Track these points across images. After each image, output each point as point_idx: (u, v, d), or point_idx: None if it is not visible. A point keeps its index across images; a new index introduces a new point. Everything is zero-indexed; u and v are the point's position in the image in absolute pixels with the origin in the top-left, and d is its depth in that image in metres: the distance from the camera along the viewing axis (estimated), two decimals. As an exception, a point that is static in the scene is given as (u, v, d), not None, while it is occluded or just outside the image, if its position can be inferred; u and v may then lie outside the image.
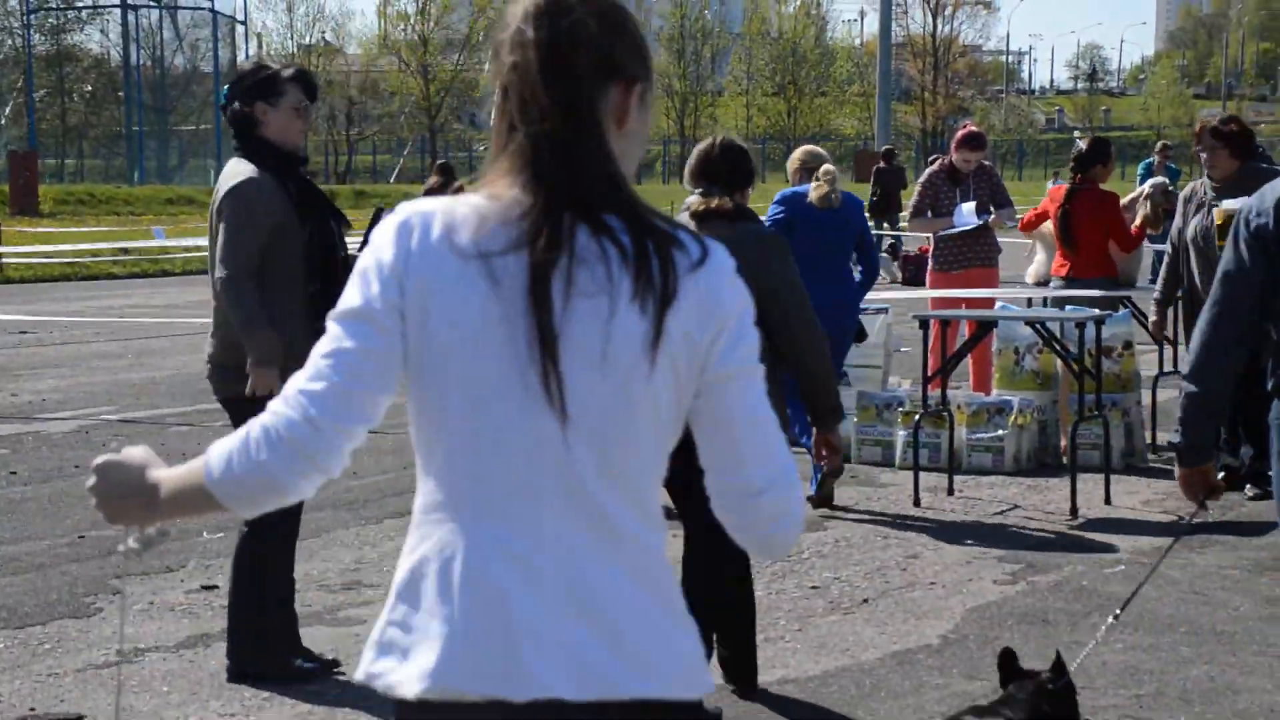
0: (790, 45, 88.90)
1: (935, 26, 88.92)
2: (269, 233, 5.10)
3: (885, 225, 24.50)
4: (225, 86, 5.36)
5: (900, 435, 8.81)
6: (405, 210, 2.00)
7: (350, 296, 1.98)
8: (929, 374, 8.45)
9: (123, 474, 2.10)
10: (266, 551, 5.24)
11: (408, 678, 1.93)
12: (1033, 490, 8.37)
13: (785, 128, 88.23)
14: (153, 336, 15.98)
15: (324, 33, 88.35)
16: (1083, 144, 9.52)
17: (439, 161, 23.90)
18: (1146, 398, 9.54)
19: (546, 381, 1.90)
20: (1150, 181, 10.23)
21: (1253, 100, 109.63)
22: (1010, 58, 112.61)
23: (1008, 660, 3.77)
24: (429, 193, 15.98)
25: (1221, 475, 8.01)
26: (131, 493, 2.09)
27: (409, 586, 1.98)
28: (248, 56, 64.41)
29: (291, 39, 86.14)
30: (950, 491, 8.14)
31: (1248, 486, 7.93)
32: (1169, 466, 8.30)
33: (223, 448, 2.00)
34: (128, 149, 56.22)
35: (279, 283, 5.13)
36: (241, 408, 4.98)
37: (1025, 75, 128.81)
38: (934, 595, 6.27)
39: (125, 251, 27.24)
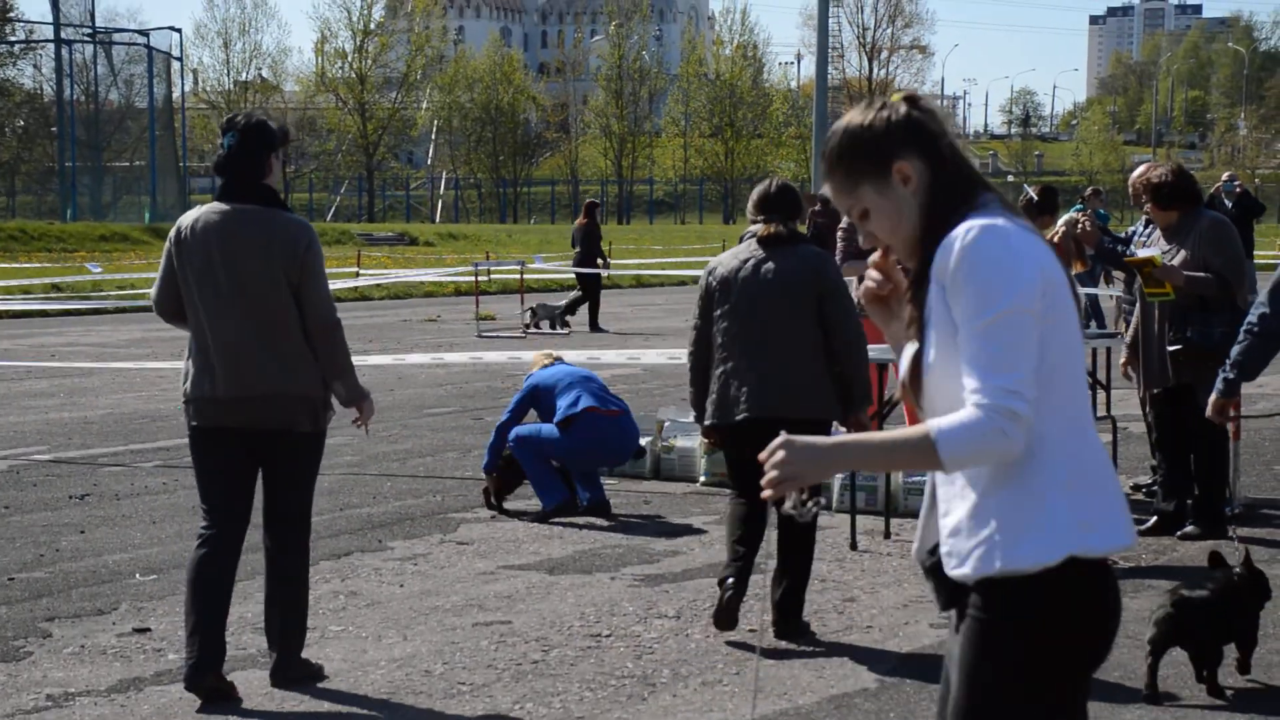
0: (728, 87, 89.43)
1: (871, 70, 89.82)
2: None
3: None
4: (227, 135, 5.58)
5: (837, 479, 8.85)
6: (1023, 234, 2.73)
7: (1025, 299, 2.64)
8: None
9: (807, 440, 2.70)
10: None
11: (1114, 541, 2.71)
12: (968, 533, 8.40)
13: (723, 168, 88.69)
14: (85, 375, 15.82)
15: (260, 70, 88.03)
16: (1033, 193, 9.60)
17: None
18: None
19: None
20: (1063, 220, 9.47)
21: (1182, 148, 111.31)
22: (946, 102, 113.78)
23: (1215, 558, 5.61)
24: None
25: (1154, 520, 8.18)
26: (818, 454, 2.67)
27: (1084, 477, 2.71)
28: (183, 92, 64.10)
29: (228, 75, 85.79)
30: (887, 535, 8.17)
31: (1182, 529, 8.02)
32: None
33: (952, 421, 2.62)
34: (60, 185, 55.74)
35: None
36: (319, 440, 5.65)
37: (960, 119, 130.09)
38: (871, 639, 6.29)
39: (57, 289, 26.96)
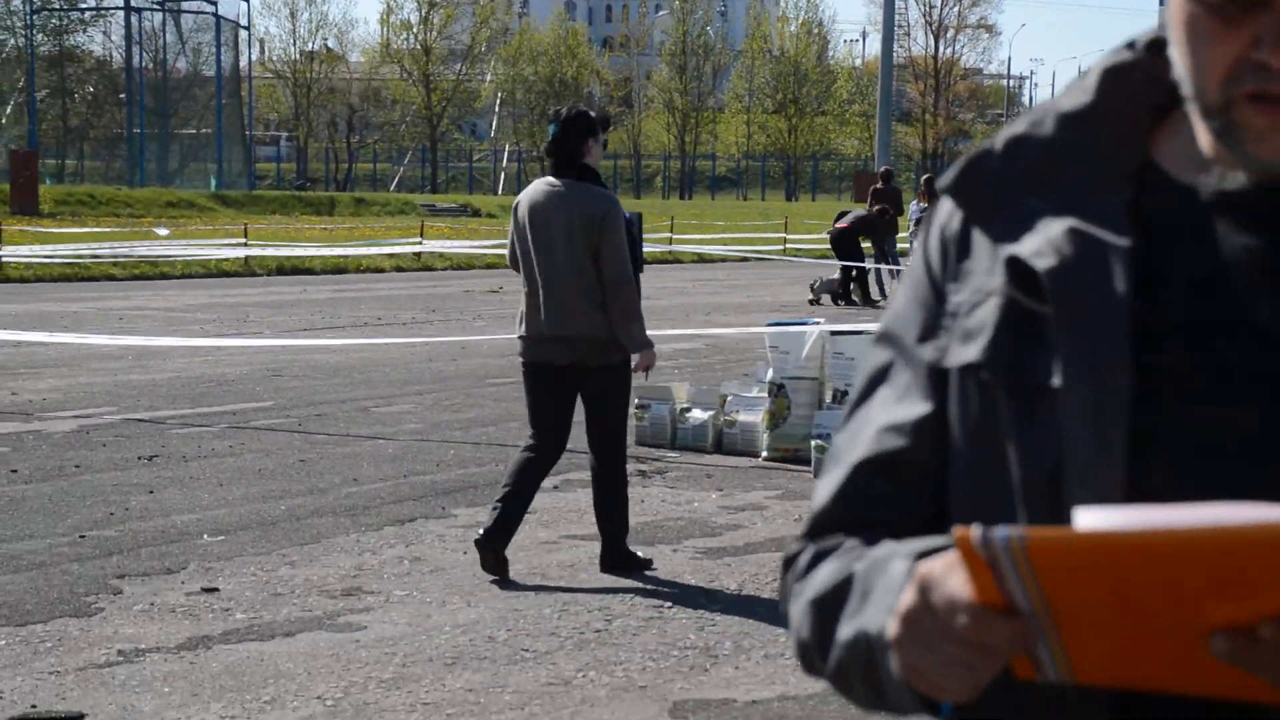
0: (792, 64, 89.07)
1: (937, 49, 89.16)
2: None
3: (873, 245, 23.87)
4: (552, 125, 6.85)
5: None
6: None
7: None
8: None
9: None
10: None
11: None
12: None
13: (785, 145, 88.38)
14: (153, 338, 15.99)
15: (326, 40, 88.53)
16: None
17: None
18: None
19: None
20: None
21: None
22: (1011, 82, 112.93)
23: None
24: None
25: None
26: None
27: None
28: (250, 61, 64.55)
29: (294, 45, 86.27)
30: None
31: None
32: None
33: None
34: (128, 151, 56.28)
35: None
36: (619, 372, 6.73)
37: (1026, 99, 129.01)
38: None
39: (126, 254, 27.26)
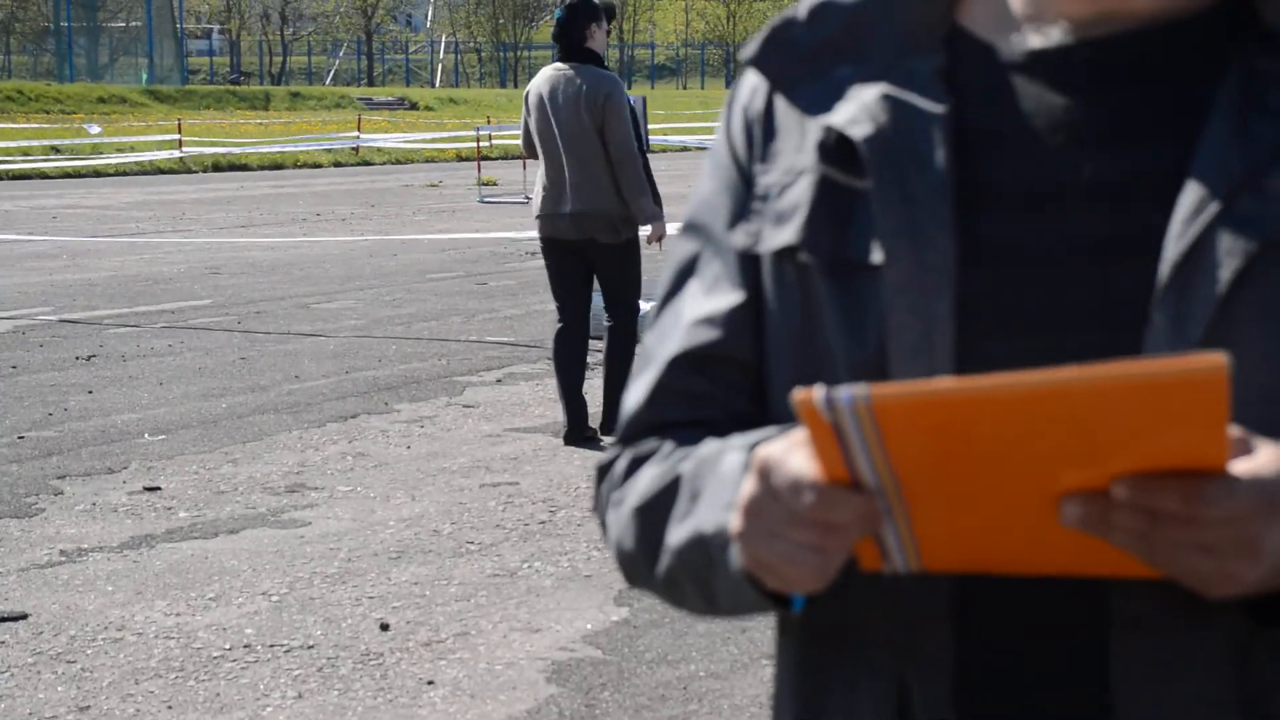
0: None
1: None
2: None
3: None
4: (558, 10, 7.18)
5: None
6: None
7: None
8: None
9: None
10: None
11: None
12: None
13: (725, 32, 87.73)
14: (87, 237, 15.79)
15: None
16: None
17: None
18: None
19: None
20: None
21: None
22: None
23: None
24: None
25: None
26: None
27: None
28: (180, -48, 63.12)
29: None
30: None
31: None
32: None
33: None
34: (56, 45, 55.16)
35: None
36: (629, 248, 7.12)
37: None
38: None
39: (56, 150, 26.83)
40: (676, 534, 1.13)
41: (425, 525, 5.94)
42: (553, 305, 7.33)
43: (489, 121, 34.59)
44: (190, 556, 5.54)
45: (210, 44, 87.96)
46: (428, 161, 30.67)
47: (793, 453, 0.98)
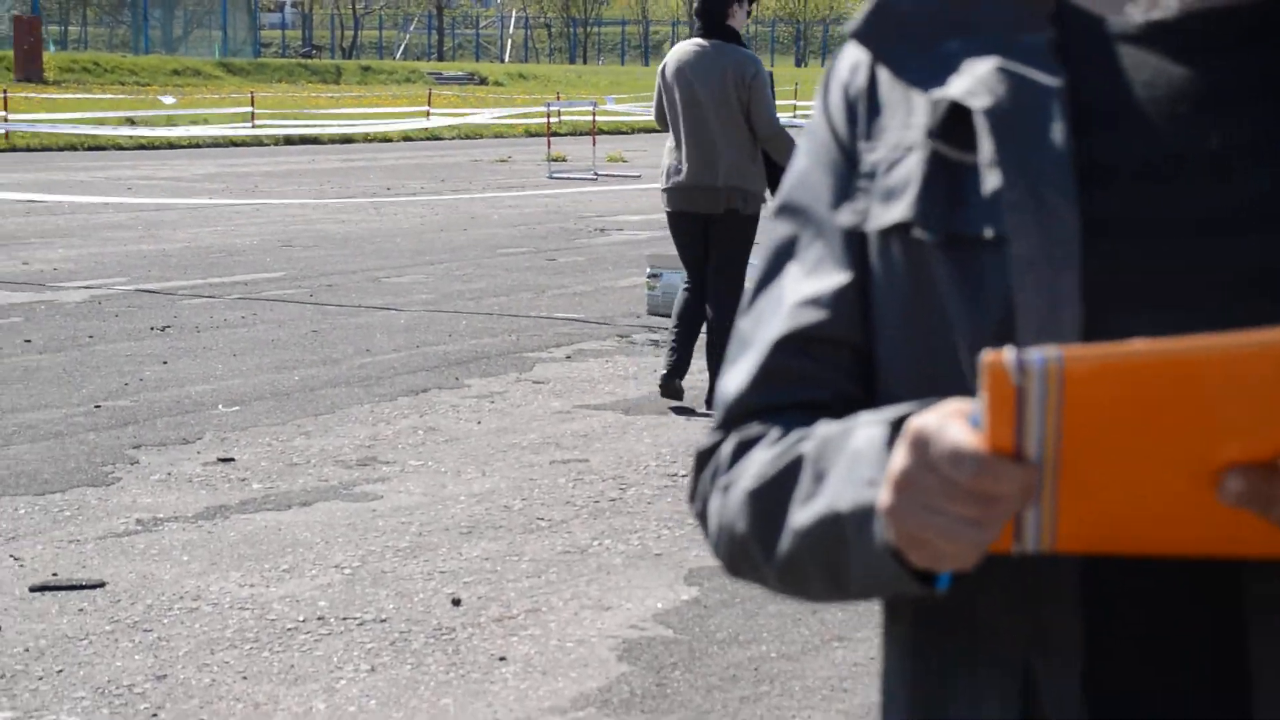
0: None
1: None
2: None
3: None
4: None
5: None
6: None
7: None
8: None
9: None
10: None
11: None
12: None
13: (795, 10, 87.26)
14: (163, 209, 15.94)
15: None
16: None
17: None
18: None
19: None
20: None
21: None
22: None
23: None
24: None
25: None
26: None
27: None
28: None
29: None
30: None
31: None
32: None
33: None
34: (132, 17, 55.68)
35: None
36: (751, 222, 7.31)
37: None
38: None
39: (131, 122, 27.09)
40: (802, 515, 1.10)
41: (496, 501, 5.96)
42: (622, 283, 7.34)
43: (558, 97, 34.61)
44: (264, 528, 5.59)
45: (283, 17, 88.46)
46: (496, 136, 30.71)
47: (950, 423, 0.95)
